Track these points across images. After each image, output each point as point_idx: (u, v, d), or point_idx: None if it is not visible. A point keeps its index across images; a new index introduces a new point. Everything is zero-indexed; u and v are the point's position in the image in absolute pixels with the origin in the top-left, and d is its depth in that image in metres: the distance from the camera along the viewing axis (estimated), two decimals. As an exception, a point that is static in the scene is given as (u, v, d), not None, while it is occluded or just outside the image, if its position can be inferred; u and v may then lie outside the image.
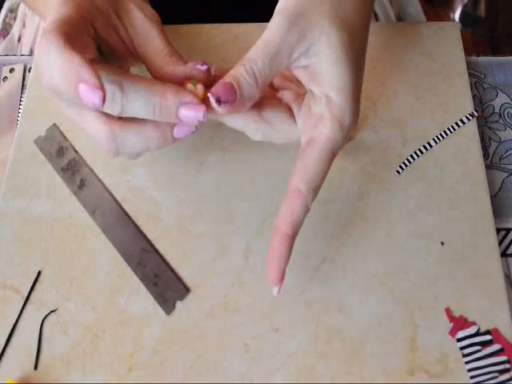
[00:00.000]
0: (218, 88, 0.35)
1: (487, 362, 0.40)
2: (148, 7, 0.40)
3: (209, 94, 0.35)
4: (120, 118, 0.36)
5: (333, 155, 0.37)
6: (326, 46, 0.35)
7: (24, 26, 0.70)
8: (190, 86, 0.37)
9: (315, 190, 0.37)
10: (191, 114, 0.35)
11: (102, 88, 0.33)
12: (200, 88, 0.37)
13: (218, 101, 0.35)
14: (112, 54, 0.39)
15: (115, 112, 0.34)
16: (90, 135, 0.37)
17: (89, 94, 0.33)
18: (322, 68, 0.36)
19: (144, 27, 0.39)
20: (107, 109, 0.34)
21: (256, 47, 0.36)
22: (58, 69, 0.33)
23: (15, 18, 0.72)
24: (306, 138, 0.38)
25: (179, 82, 0.37)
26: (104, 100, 0.33)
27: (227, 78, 0.36)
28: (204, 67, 0.38)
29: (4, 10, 0.74)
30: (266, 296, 0.43)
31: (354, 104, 0.36)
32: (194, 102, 0.35)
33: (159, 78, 0.38)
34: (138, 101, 0.34)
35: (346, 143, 0.38)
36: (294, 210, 0.36)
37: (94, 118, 0.36)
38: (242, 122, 0.38)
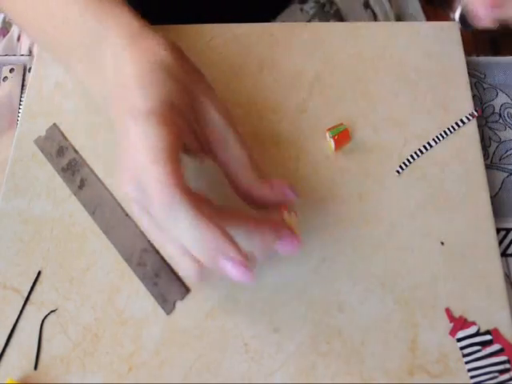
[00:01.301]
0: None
1: (487, 361, 0.40)
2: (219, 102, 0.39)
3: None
4: None
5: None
6: None
7: (24, 25, 0.70)
8: (286, 215, 0.38)
9: None
10: (286, 247, 0.37)
11: (246, 265, 0.34)
12: (294, 217, 0.38)
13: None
14: (188, 153, 0.40)
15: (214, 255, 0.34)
16: (173, 259, 0.37)
17: (231, 269, 0.34)
18: None
19: (220, 130, 0.38)
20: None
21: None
22: (193, 236, 0.33)
23: (15, 18, 0.72)
24: None
25: (264, 202, 0.39)
26: (249, 276, 0.34)
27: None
28: (292, 195, 0.39)
29: None
30: (266, 296, 0.43)
31: None
32: (291, 236, 0.36)
33: (240, 192, 0.39)
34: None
35: None
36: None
37: (180, 250, 0.35)
38: None
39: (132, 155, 0.35)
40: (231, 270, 0.34)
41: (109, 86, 0.38)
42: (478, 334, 0.41)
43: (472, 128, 0.48)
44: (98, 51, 0.39)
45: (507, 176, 0.48)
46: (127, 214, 0.46)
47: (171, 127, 0.35)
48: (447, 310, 0.42)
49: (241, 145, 0.38)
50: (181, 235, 0.34)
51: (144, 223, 0.37)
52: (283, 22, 0.66)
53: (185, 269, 0.36)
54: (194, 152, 0.40)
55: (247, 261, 0.34)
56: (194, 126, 0.38)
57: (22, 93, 0.54)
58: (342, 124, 0.47)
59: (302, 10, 0.66)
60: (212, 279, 0.38)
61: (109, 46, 0.38)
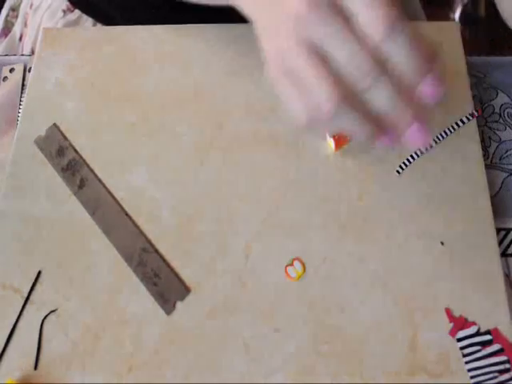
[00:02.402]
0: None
1: (487, 361, 0.40)
2: None
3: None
4: None
5: None
6: None
7: (25, 25, 0.70)
8: None
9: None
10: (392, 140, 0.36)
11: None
12: None
13: None
14: None
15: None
16: (316, 93, 0.35)
17: (433, 89, 0.37)
18: None
19: None
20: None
21: None
22: (408, 46, 0.34)
23: (17, 17, 0.72)
24: None
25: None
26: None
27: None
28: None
29: (6, 8, 0.74)
30: (266, 296, 0.43)
31: None
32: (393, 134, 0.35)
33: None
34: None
35: None
36: None
37: (329, 80, 0.34)
38: None
39: None
40: (432, 89, 0.37)
41: None
42: (478, 333, 0.41)
43: (472, 128, 0.48)
44: None
45: (507, 176, 0.48)
46: (127, 214, 0.46)
47: None
48: (447, 310, 0.42)
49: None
50: (395, 50, 0.34)
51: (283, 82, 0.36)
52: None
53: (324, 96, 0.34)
54: None
55: None
56: None
57: (21, 93, 0.54)
58: None
59: None
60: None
61: None
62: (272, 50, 0.36)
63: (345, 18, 0.34)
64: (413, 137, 0.36)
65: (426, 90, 0.37)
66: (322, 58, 0.34)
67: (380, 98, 0.35)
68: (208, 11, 0.53)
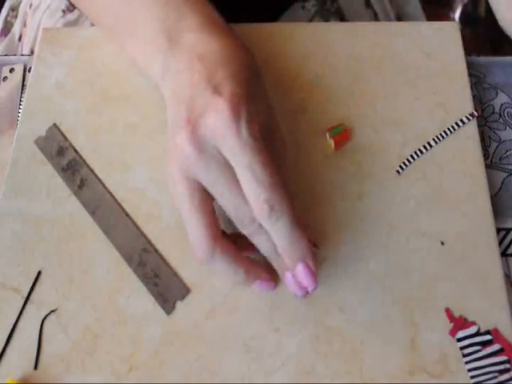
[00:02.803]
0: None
1: (487, 361, 0.40)
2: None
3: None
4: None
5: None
6: None
7: (25, 25, 0.70)
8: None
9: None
10: (264, 287, 0.40)
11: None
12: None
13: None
14: None
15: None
16: (190, 237, 0.38)
17: (262, 287, 0.40)
18: None
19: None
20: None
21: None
22: (226, 268, 0.38)
23: (16, 17, 0.72)
24: None
25: None
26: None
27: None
28: (312, 288, 0.40)
29: (6, 8, 0.74)
30: (266, 296, 0.43)
31: None
32: (268, 280, 0.40)
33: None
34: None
35: None
36: None
37: (201, 226, 0.37)
38: None
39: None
40: (261, 287, 0.40)
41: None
42: (478, 333, 0.41)
43: (472, 128, 0.48)
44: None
45: (507, 176, 0.48)
46: (127, 214, 0.46)
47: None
48: (447, 310, 0.42)
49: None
50: (217, 270, 0.38)
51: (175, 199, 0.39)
52: (285, 20, 0.66)
53: (195, 243, 0.38)
54: None
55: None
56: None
57: (21, 93, 0.54)
58: (341, 124, 0.47)
59: (303, 7, 0.66)
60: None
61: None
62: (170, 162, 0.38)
63: (228, 171, 0.35)
64: (299, 278, 0.39)
65: (297, 277, 0.39)
66: (200, 198, 0.36)
67: (262, 243, 0.38)
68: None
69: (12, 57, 0.57)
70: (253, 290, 0.43)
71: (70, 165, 0.48)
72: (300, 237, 0.37)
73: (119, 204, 0.46)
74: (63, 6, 0.64)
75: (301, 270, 0.38)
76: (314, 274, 0.38)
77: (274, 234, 0.36)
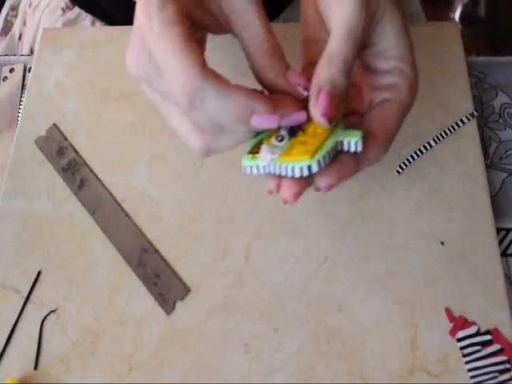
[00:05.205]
0: (322, 104, 0.32)
1: (487, 361, 0.40)
2: None
3: (319, 116, 0.32)
4: None
5: (404, 117, 0.37)
6: (389, 22, 0.35)
7: (25, 24, 0.70)
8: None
9: (389, 145, 0.37)
10: (264, 123, 0.33)
11: (277, 114, 0.33)
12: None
13: (330, 119, 0.32)
14: (203, 32, 0.37)
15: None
16: (177, 134, 0.35)
17: (263, 122, 0.33)
18: (389, 43, 0.36)
19: (240, 7, 0.35)
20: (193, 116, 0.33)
21: (340, 38, 0.33)
22: (220, 106, 0.32)
23: (16, 16, 0.72)
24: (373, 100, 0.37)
25: (276, 90, 0.35)
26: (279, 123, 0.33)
27: (326, 86, 0.33)
28: (305, 94, 0.35)
29: (6, 7, 0.74)
30: (265, 296, 0.43)
31: (417, 72, 0.37)
32: (267, 112, 0.33)
33: (255, 72, 0.36)
34: (215, 105, 0.32)
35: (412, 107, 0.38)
36: (368, 152, 0.35)
37: (184, 123, 0.35)
38: None
39: (140, 34, 0.33)
40: (262, 122, 0.33)
41: None
42: (478, 333, 0.41)
43: (472, 128, 0.48)
44: None
45: (507, 176, 0.48)
46: (127, 214, 0.46)
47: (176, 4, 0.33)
48: (447, 310, 0.42)
49: (263, 25, 0.35)
50: (207, 112, 0.33)
51: (154, 101, 0.36)
52: (285, 19, 0.66)
53: (195, 146, 0.35)
54: (211, 31, 0.37)
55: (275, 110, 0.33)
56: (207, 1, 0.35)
57: (22, 93, 0.54)
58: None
59: None
60: (219, 152, 0.36)
61: None
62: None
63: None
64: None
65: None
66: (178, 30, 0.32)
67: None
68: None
69: (12, 57, 0.57)
70: (252, 289, 0.43)
71: (70, 165, 0.48)
72: (233, 103, 0.32)
73: (119, 204, 0.46)
74: (63, 5, 0.64)
75: (257, 122, 0.33)
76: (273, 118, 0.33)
77: (209, 115, 0.33)
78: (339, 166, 0.34)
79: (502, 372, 0.40)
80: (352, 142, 0.32)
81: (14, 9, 0.73)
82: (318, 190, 0.34)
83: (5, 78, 0.55)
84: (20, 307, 0.43)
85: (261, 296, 0.43)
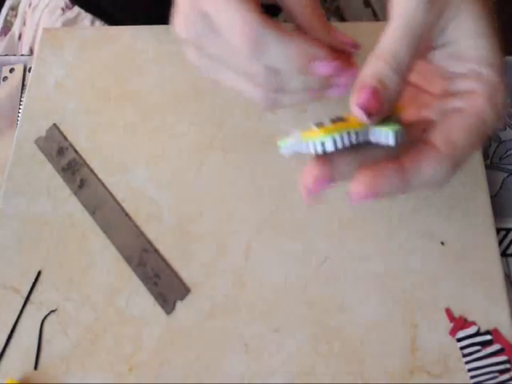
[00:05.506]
0: (362, 96, 0.29)
1: (487, 361, 0.40)
2: None
3: (355, 106, 0.29)
4: None
5: (482, 135, 0.31)
6: (466, 17, 0.31)
7: (24, 23, 0.70)
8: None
9: (456, 163, 0.30)
10: (324, 69, 0.31)
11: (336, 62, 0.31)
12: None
13: (369, 113, 0.29)
14: None
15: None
16: (237, 92, 0.34)
17: (323, 68, 0.31)
18: (466, 43, 0.31)
19: None
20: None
21: (394, 32, 0.30)
22: (281, 52, 0.30)
23: (16, 16, 0.72)
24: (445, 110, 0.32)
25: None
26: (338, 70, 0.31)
27: (369, 80, 0.30)
28: (352, 49, 0.33)
29: (6, 7, 0.74)
30: (266, 296, 0.43)
31: (504, 82, 0.31)
32: (327, 59, 0.31)
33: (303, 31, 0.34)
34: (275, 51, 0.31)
35: (496, 126, 0.32)
36: (422, 162, 0.30)
37: (243, 81, 0.33)
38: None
39: None
40: (323, 68, 0.31)
41: None
42: (478, 333, 0.41)
43: (472, 128, 0.48)
44: None
45: (507, 176, 0.48)
46: (127, 214, 0.46)
47: None
48: (447, 310, 0.42)
49: None
50: (268, 59, 0.31)
51: (202, 66, 0.34)
52: (285, 19, 0.66)
53: (258, 97, 0.33)
54: None
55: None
56: None
57: (22, 93, 0.54)
58: None
59: None
60: (282, 107, 0.35)
61: None
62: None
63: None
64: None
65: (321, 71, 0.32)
66: None
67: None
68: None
69: (12, 57, 0.57)
70: (252, 289, 0.43)
71: (69, 165, 0.48)
72: (294, 49, 0.31)
73: (119, 204, 0.46)
74: (62, 4, 0.64)
75: (318, 69, 0.31)
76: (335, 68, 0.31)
77: (274, 63, 0.31)
78: (376, 173, 0.29)
79: (502, 372, 0.40)
80: (383, 131, 0.29)
81: (14, 9, 0.73)
82: (349, 198, 0.31)
83: (5, 78, 0.55)
84: (20, 307, 0.43)
85: (261, 296, 0.43)
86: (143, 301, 0.43)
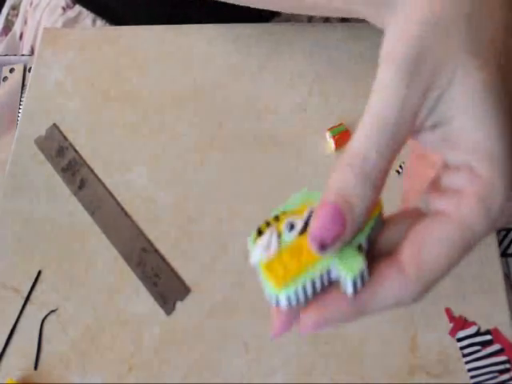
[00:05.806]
0: (319, 219, 0.24)
1: (487, 361, 0.40)
2: None
3: (308, 235, 0.25)
4: None
5: (467, 248, 0.26)
6: (462, 93, 0.24)
7: (25, 23, 0.70)
8: None
9: (426, 287, 0.26)
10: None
11: None
12: None
13: (323, 245, 0.24)
14: None
15: None
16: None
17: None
18: (460, 126, 0.24)
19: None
20: None
21: (364, 127, 0.24)
22: None
23: (17, 15, 0.72)
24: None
25: None
26: None
27: (330, 197, 0.25)
28: None
29: (7, 7, 0.74)
30: (266, 296, 0.42)
31: (506, 180, 0.24)
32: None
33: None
34: None
35: (489, 234, 0.26)
36: (381, 286, 0.25)
37: None
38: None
39: None
40: None
41: None
42: (478, 333, 0.41)
43: (472, 128, 0.48)
44: None
45: (507, 176, 0.48)
46: (127, 214, 0.46)
47: None
48: (447, 310, 0.42)
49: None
50: None
51: None
52: (285, 18, 0.65)
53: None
54: None
55: None
56: None
57: (22, 93, 0.54)
58: (341, 124, 0.47)
59: None
60: None
61: None
62: None
63: None
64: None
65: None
66: None
67: None
68: (209, 7, 0.53)
69: (12, 57, 0.57)
70: (252, 289, 0.43)
71: (69, 165, 0.48)
72: None
73: (119, 204, 0.46)
74: (63, 4, 0.64)
75: None
76: None
77: None
78: (324, 302, 0.25)
79: (501, 372, 0.39)
80: (342, 273, 0.24)
81: (15, 8, 0.73)
82: (297, 328, 0.26)
83: (5, 78, 0.55)
84: (20, 307, 0.43)
85: (261, 296, 0.43)
86: (143, 301, 0.43)
